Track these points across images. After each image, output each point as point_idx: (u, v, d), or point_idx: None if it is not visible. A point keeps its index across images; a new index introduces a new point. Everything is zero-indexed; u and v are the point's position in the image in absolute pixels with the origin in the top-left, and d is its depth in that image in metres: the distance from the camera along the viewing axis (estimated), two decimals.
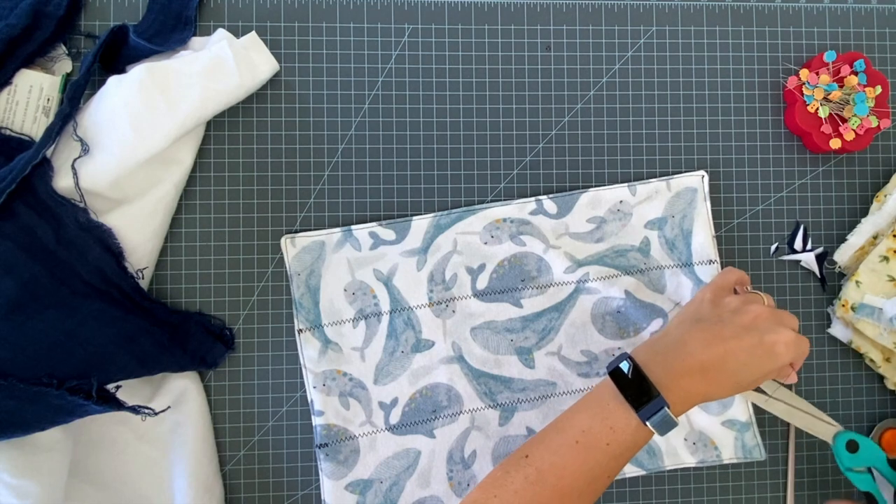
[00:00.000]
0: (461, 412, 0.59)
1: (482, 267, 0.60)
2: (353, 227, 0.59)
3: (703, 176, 0.61)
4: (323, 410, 0.58)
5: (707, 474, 0.62)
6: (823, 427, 0.60)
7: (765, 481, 0.63)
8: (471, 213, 0.60)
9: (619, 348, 0.60)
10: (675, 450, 0.60)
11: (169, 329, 0.56)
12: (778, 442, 0.63)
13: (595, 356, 0.60)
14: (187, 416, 0.56)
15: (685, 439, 0.60)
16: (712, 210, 0.63)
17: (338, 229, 0.59)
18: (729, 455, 0.60)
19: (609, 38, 0.63)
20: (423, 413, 0.59)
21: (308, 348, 0.59)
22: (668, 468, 0.60)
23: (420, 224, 0.60)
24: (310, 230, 0.59)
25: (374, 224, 0.59)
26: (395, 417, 0.59)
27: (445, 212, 0.60)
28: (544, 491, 0.45)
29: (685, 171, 0.62)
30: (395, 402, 0.59)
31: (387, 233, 0.59)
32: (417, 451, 0.59)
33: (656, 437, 0.60)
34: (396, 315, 0.59)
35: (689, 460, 0.60)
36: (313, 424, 0.58)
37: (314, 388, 0.58)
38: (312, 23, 0.61)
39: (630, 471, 0.60)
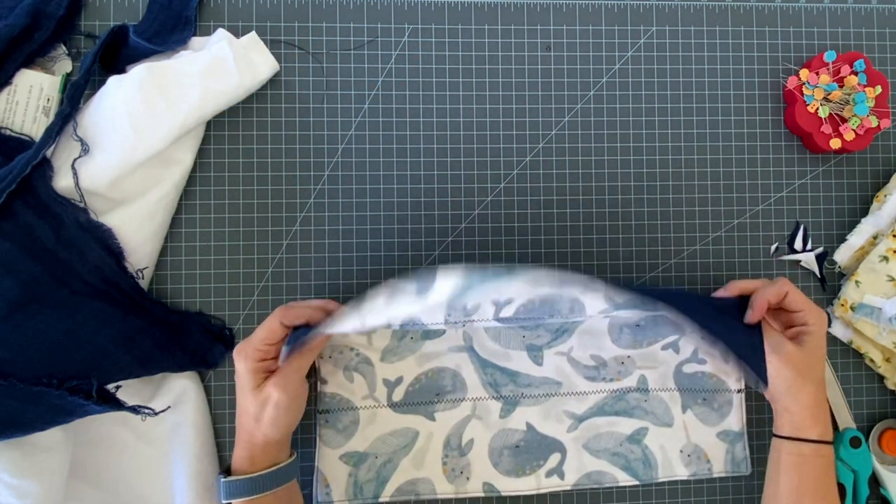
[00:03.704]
0: (464, 399, 0.59)
1: (510, 301, 0.54)
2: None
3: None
4: (327, 380, 0.58)
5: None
6: (844, 414, 0.63)
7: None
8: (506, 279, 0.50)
9: (628, 356, 0.60)
10: (670, 462, 0.60)
11: (169, 329, 0.56)
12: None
13: (604, 362, 0.60)
14: (187, 416, 0.56)
15: (681, 451, 0.61)
16: (712, 210, 0.63)
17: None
18: (719, 469, 0.61)
19: (609, 38, 0.63)
20: (427, 394, 0.59)
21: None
22: (661, 480, 0.60)
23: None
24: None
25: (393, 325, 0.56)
26: (398, 395, 0.59)
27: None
28: None
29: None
30: (399, 380, 0.59)
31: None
32: (416, 431, 0.59)
33: (654, 449, 0.60)
34: (408, 326, 0.58)
35: (682, 473, 0.60)
36: (318, 390, 0.58)
37: (320, 357, 0.58)
38: (312, 23, 0.61)
39: (623, 479, 0.60)
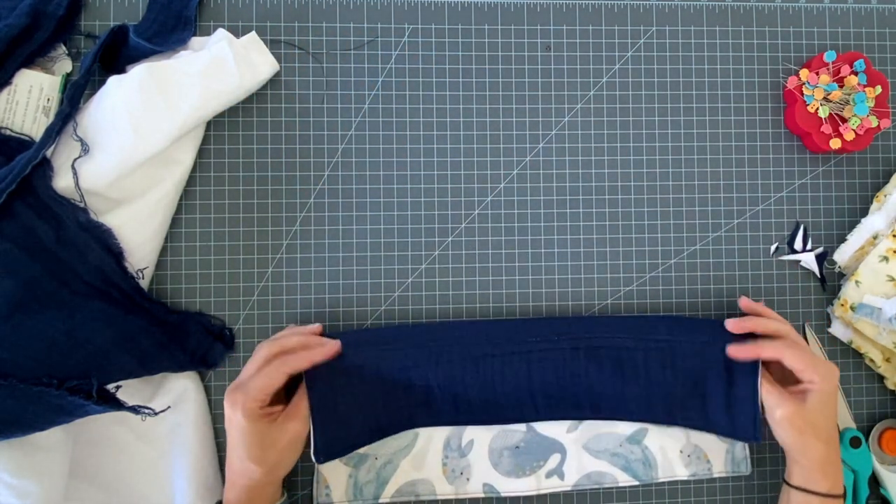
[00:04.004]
0: None
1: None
2: None
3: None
4: None
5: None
6: (844, 414, 0.62)
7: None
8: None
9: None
10: (670, 462, 0.60)
11: (169, 329, 0.56)
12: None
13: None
14: (187, 416, 0.56)
15: (681, 451, 0.60)
16: (712, 210, 0.63)
17: None
18: (719, 469, 0.60)
19: (609, 38, 0.63)
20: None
21: None
22: (661, 480, 0.60)
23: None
24: None
25: None
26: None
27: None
28: None
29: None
30: None
31: None
32: (416, 432, 0.59)
33: (654, 450, 0.60)
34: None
35: (682, 473, 0.60)
36: None
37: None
38: (312, 23, 0.61)
39: (623, 480, 0.60)
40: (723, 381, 0.56)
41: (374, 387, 0.55)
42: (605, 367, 0.57)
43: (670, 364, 0.57)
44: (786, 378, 0.55)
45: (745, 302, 0.59)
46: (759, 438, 0.55)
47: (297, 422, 0.52)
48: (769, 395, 0.54)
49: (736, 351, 0.55)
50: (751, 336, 0.56)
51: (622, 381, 0.57)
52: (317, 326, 0.57)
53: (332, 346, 0.54)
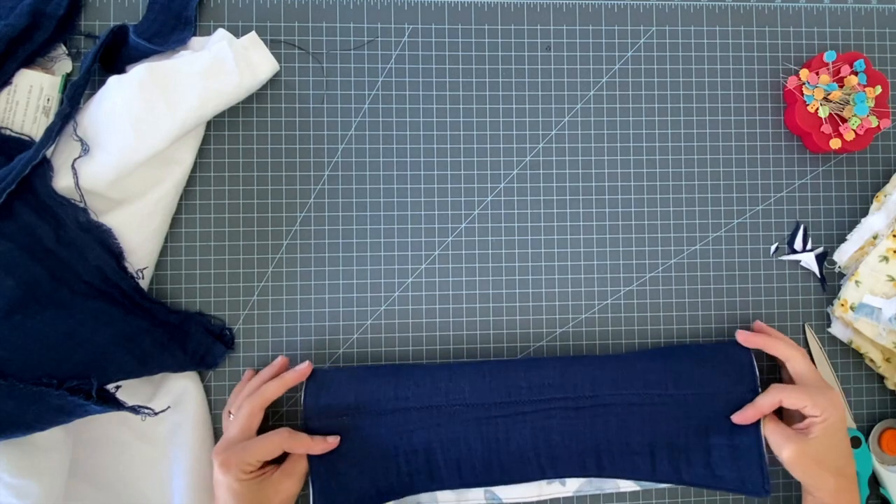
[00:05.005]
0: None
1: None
2: None
3: None
4: None
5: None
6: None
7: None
8: None
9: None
10: None
11: (169, 329, 0.56)
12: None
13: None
14: (187, 416, 0.56)
15: None
16: (712, 210, 0.63)
17: None
18: None
19: (609, 38, 0.63)
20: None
21: None
22: (663, 484, 0.60)
23: None
24: None
25: None
26: None
27: None
28: None
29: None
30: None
31: None
32: None
33: None
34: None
35: None
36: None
37: None
38: (312, 23, 0.61)
39: (625, 485, 0.60)
40: (726, 431, 0.55)
41: (374, 451, 0.55)
42: (610, 425, 0.55)
43: (674, 417, 0.55)
44: (791, 413, 0.55)
45: (754, 335, 0.59)
46: (768, 492, 0.54)
47: (293, 480, 0.52)
48: (773, 436, 0.53)
49: (739, 417, 0.54)
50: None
51: (626, 434, 0.55)
52: (281, 360, 0.57)
53: (303, 370, 0.56)
